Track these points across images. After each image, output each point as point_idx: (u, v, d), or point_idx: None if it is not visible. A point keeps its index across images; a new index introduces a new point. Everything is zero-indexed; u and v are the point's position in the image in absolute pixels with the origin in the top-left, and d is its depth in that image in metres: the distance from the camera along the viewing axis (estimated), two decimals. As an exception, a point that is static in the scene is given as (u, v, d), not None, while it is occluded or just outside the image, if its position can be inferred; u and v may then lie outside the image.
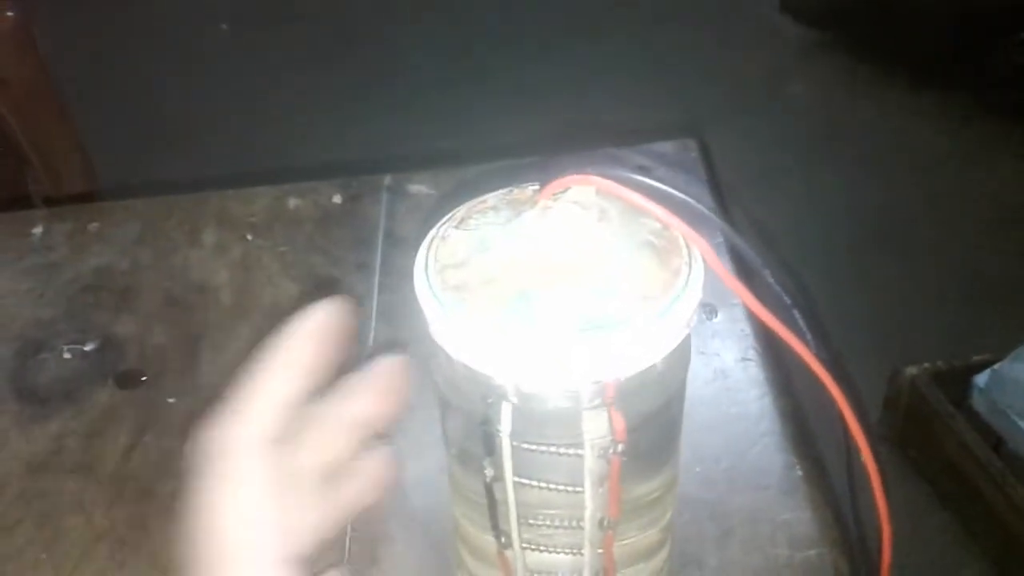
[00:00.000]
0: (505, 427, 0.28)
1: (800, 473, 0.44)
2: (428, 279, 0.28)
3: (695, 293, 0.28)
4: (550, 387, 0.28)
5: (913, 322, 1.41)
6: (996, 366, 1.13)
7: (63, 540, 0.45)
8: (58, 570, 0.44)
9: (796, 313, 0.31)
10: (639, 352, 0.27)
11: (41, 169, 1.10)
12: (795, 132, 1.92)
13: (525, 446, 0.28)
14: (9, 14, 1.16)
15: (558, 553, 0.32)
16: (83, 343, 0.56)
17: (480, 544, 0.35)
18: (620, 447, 0.28)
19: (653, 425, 0.31)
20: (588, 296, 0.27)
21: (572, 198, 0.29)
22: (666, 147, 0.67)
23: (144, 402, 0.52)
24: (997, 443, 1.12)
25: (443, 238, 0.30)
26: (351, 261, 0.61)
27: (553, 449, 0.28)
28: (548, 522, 0.31)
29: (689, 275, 0.28)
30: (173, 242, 0.63)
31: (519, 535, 0.31)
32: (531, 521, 0.31)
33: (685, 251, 0.30)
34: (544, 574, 0.33)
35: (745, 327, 0.52)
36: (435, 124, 1.92)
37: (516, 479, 0.29)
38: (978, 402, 1.14)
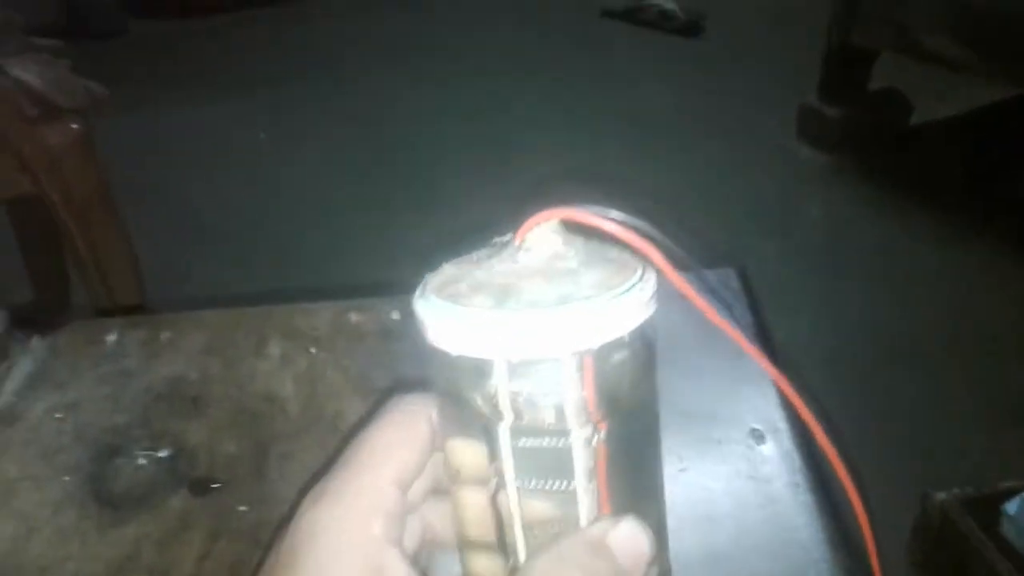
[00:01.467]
0: (506, 411, 0.32)
1: (855, 600, 0.46)
2: (426, 297, 0.34)
3: (651, 282, 0.33)
4: (537, 361, 0.32)
5: (940, 444, 1.42)
6: (1025, 493, 1.13)
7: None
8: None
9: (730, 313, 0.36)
10: (608, 324, 0.31)
11: (95, 277, 1.14)
12: (815, 253, 1.96)
13: (522, 442, 0.32)
14: (74, 126, 1.23)
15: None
16: (157, 449, 0.58)
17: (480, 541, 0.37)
18: (603, 434, 0.32)
19: (632, 423, 0.34)
20: (561, 287, 0.33)
21: (543, 229, 0.35)
22: (708, 276, 0.71)
23: (216, 509, 0.54)
24: (1027, 571, 1.11)
25: (434, 273, 0.36)
26: (411, 376, 0.64)
27: (545, 442, 0.32)
28: (548, 531, 0.34)
29: (643, 273, 0.34)
30: (241, 352, 0.67)
31: (524, 547, 0.34)
32: (536, 532, 0.34)
33: (640, 263, 0.35)
34: None
35: (793, 452, 0.55)
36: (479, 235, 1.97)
37: (518, 484, 0.32)
38: (1008, 529, 1.14)
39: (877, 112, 2.31)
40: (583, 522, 0.33)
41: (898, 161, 2.27)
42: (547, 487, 0.33)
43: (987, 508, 1.17)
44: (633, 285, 0.33)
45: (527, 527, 0.34)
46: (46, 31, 1.44)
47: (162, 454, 0.58)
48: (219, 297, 0.72)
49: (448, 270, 0.37)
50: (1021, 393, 1.53)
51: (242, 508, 0.54)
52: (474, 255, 0.38)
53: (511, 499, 0.33)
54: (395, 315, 0.69)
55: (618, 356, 0.33)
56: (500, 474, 0.33)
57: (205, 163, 2.31)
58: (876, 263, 1.92)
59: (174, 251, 1.87)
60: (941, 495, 1.20)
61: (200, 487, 0.56)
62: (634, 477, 0.36)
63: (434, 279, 0.36)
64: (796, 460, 0.54)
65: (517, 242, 0.35)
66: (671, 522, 0.41)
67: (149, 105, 2.50)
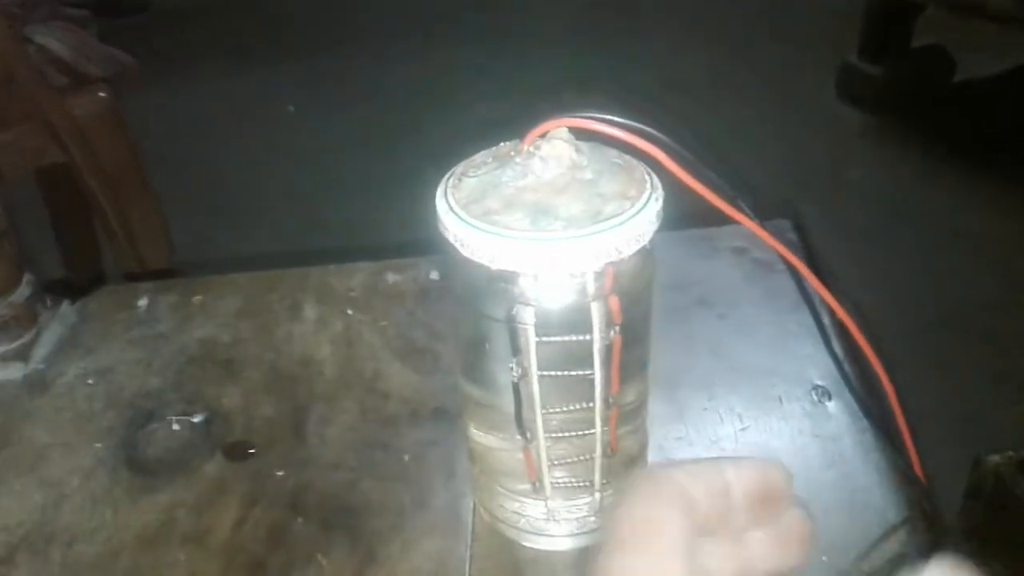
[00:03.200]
0: (530, 323, 0.36)
1: (933, 563, 0.43)
2: (456, 213, 0.37)
3: (660, 192, 0.38)
4: (566, 279, 0.37)
5: (994, 408, 1.37)
6: (1084, 456, 1.09)
7: (176, 613, 0.45)
8: (174, 644, 0.44)
9: (740, 203, 0.43)
10: (632, 238, 0.36)
11: (126, 244, 1.13)
12: (857, 217, 1.91)
13: (545, 339, 0.37)
14: (101, 95, 1.21)
15: (572, 436, 0.40)
16: (191, 414, 0.56)
17: (500, 457, 0.44)
18: (617, 328, 0.37)
19: (637, 313, 0.40)
20: (587, 202, 0.37)
21: (553, 137, 0.38)
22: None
23: (253, 474, 0.52)
24: (1087, 537, 1.07)
25: (454, 187, 0.39)
26: (451, 335, 0.61)
27: (567, 338, 0.37)
28: (564, 407, 0.39)
29: (652, 180, 0.38)
30: (275, 316, 0.64)
31: (543, 425, 0.39)
32: (551, 409, 0.39)
33: (642, 167, 0.39)
34: (561, 462, 0.41)
35: (861, 412, 0.51)
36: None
37: (539, 372, 0.37)
38: (1066, 493, 1.10)
39: (920, 70, 2.24)
40: (598, 401, 0.38)
41: (942, 120, 2.19)
42: (566, 373, 0.38)
43: (1045, 472, 1.12)
44: (649, 196, 0.37)
45: (545, 409, 0.38)
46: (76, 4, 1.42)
47: (196, 419, 0.56)
48: (252, 259, 0.70)
49: (468, 182, 0.39)
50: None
51: (279, 473, 0.52)
52: (478, 159, 0.41)
53: (533, 384, 0.37)
54: (433, 275, 0.67)
55: (636, 262, 0.37)
56: (524, 367, 0.37)
57: (234, 135, 2.29)
58: (921, 225, 1.86)
59: (204, 221, 1.86)
60: (994, 458, 1.16)
61: (236, 452, 0.53)
62: (637, 355, 0.42)
63: (457, 192, 0.39)
64: (863, 418, 0.51)
65: (526, 148, 0.39)
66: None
67: (177, 78, 2.48)
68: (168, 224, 1.24)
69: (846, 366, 0.54)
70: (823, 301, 0.58)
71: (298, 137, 2.32)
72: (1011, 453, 1.16)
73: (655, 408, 0.46)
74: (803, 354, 0.56)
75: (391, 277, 0.67)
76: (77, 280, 1.34)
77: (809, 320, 0.58)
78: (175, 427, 0.56)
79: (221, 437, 0.55)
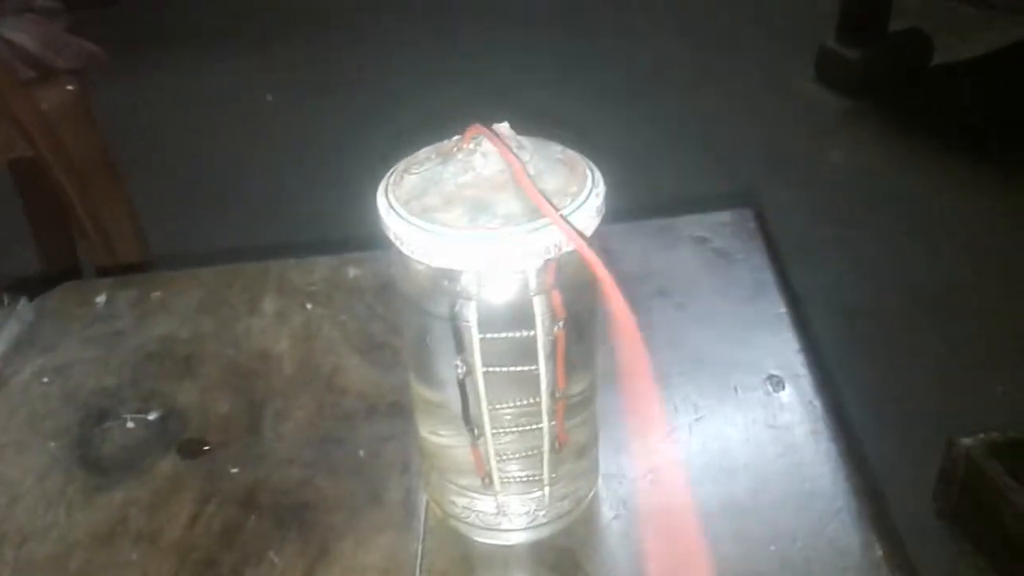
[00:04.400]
0: (472, 320, 0.36)
1: (880, 553, 0.43)
2: (396, 211, 0.37)
3: (601, 188, 0.38)
4: (508, 275, 0.37)
5: (966, 392, 1.38)
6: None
7: (127, 612, 0.45)
8: (123, 644, 0.44)
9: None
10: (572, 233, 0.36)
11: (97, 239, 1.12)
12: (836, 201, 1.91)
13: (488, 336, 0.37)
14: (69, 88, 1.20)
15: (521, 431, 0.41)
16: (147, 412, 0.56)
17: (449, 454, 0.44)
18: (561, 323, 0.37)
19: (582, 306, 0.39)
20: (527, 199, 0.36)
21: (495, 135, 0.38)
22: (723, 217, 0.67)
23: (207, 472, 0.52)
24: (1057, 517, 1.08)
25: (396, 183, 0.39)
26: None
27: (510, 334, 0.37)
28: (511, 403, 0.40)
29: (594, 176, 0.39)
30: (235, 310, 0.64)
31: (490, 421, 0.39)
32: (497, 406, 0.39)
33: (585, 163, 0.40)
34: (510, 457, 0.42)
35: (815, 400, 0.52)
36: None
37: (484, 369, 0.37)
38: (1036, 474, 1.11)
39: (898, 53, 2.24)
40: (544, 395, 0.38)
41: (921, 103, 2.20)
42: (511, 369, 0.38)
43: (1013, 453, 1.13)
44: (590, 191, 0.37)
45: (492, 405, 0.39)
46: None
47: (152, 416, 0.56)
48: (219, 254, 0.70)
49: (409, 179, 0.39)
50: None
51: (234, 470, 0.52)
52: (421, 155, 0.41)
53: (478, 380, 0.38)
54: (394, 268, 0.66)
55: (579, 257, 0.36)
56: (469, 363, 0.38)
57: (209, 126, 2.27)
58: (898, 208, 1.87)
59: (176, 213, 1.84)
60: (967, 441, 1.17)
61: (191, 449, 0.53)
62: (583, 348, 0.42)
63: (397, 189, 0.38)
64: (817, 407, 0.51)
65: (467, 146, 0.38)
66: (691, 475, 0.49)
67: (152, 67, 2.46)
68: (140, 218, 1.23)
69: (802, 356, 0.54)
70: (779, 291, 0.58)
71: (276, 128, 2.31)
72: (983, 436, 1.17)
73: (608, 399, 0.46)
74: (760, 343, 0.56)
75: (351, 271, 0.66)
76: (51, 275, 1.33)
77: (767, 310, 0.58)
78: (130, 425, 0.55)
79: (176, 434, 0.54)
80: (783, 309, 0.57)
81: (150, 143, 2.11)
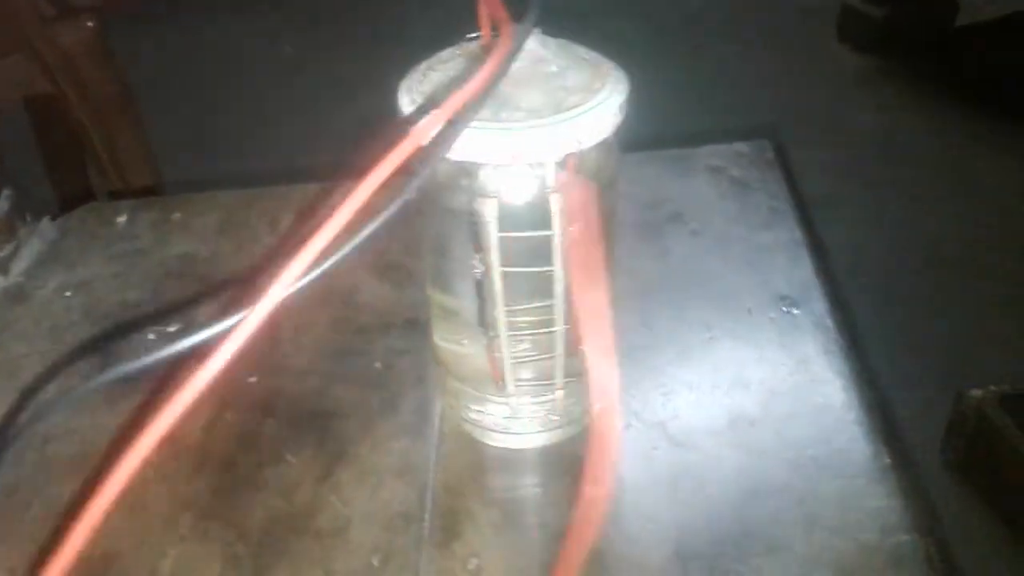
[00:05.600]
0: (492, 217, 0.36)
1: (888, 461, 0.43)
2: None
3: (625, 86, 0.38)
4: (526, 171, 0.37)
5: (978, 345, 1.38)
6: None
7: (146, 509, 0.46)
8: (142, 537, 0.45)
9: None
10: (593, 129, 0.36)
11: (109, 165, 1.13)
12: (856, 159, 1.90)
13: (506, 234, 0.37)
14: (89, 24, 1.20)
15: (535, 334, 0.41)
16: (167, 325, 0.57)
17: (464, 361, 0.45)
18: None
19: (603, 207, 0.38)
20: (550, 94, 0.36)
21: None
22: (741, 147, 0.67)
23: (225, 380, 0.52)
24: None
25: (421, 80, 0.39)
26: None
27: (528, 233, 0.37)
28: (527, 304, 0.40)
29: (619, 75, 0.38)
30: (254, 232, 0.65)
31: (505, 321, 0.39)
32: (514, 306, 0.39)
33: (610, 64, 0.39)
34: (524, 360, 0.42)
35: (827, 320, 0.52)
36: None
37: (502, 269, 0.38)
38: (1045, 426, 1.11)
39: (922, 12, 2.21)
40: (557, 297, 0.38)
41: (944, 63, 2.17)
42: (527, 268, 0.38)
43: (1022, 404, 1.13)
44: (613, 89, 0.37)
45: (508, 307, 0.39)
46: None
47: (172, 329, 0.57)
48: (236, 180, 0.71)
49: (432, 76, 0.39)
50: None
51: (251, 379, 0.52)
52: (445, 54, 0.41)
53: (495, 282, 0.38)
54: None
55: (599, 156, 0.37)
56: (487, 263, 0.38)
57: (226, 72, 2.28)
58: (920, 167, 1.85)
59: (193, 150, 1.85)
60: (976, 392, 1.17)
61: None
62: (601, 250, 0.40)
63: (420, 87, 0.38)
64: (830, 327, 0.51)
65: (488, 41, 0.39)
66: (702, 390, 0.49)
67: (171, 16, 2.46)
68: (155, 153, 1.24)
69: (817, 278, 0.54)
70: (795, 217, 0.58)
71: (296, 77, 2.30)
72: (993, 387, 1.17)
73: (623, 318, 0.46)
74: (774, 267, 0.56)
75: (369, 195, 0.67)
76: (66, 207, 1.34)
77: (782, 235, 0.58)
78: (151, 337, 0.56)
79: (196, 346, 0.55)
80: (799, 234, 0.57)
81: (167, 84, 2.11)
